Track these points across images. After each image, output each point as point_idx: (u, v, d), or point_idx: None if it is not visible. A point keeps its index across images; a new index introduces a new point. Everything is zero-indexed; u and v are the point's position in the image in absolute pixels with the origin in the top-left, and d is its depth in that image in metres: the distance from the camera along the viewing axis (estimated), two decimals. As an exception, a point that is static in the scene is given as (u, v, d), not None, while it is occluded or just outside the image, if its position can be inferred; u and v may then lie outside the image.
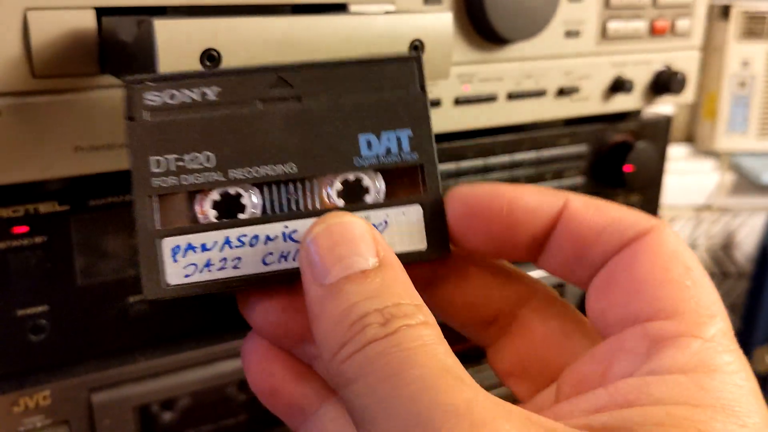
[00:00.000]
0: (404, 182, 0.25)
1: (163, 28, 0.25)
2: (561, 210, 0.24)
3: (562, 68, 0.48)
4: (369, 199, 0.25)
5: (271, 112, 0.24)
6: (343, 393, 0.20)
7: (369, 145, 0.24)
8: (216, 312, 0.40)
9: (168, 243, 0.23)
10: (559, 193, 0.24)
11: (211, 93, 0.23)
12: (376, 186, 0.25)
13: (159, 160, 0.23)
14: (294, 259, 0.24)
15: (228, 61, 0.26)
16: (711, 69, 1.20)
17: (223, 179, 0.23)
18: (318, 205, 0.24)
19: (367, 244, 0.21)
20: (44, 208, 0.34)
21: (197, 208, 0.24)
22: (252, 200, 0.24)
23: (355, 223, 0.21)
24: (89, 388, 0.37)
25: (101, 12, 0.31)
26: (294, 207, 0.24)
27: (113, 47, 0.30)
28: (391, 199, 0.25)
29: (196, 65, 0.26)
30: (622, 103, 0.52)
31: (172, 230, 0.23)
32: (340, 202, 0.24)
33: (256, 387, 0.26)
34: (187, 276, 0.23)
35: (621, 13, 0.50)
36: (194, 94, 0.23)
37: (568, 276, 0.24)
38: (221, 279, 0.23)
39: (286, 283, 0.24)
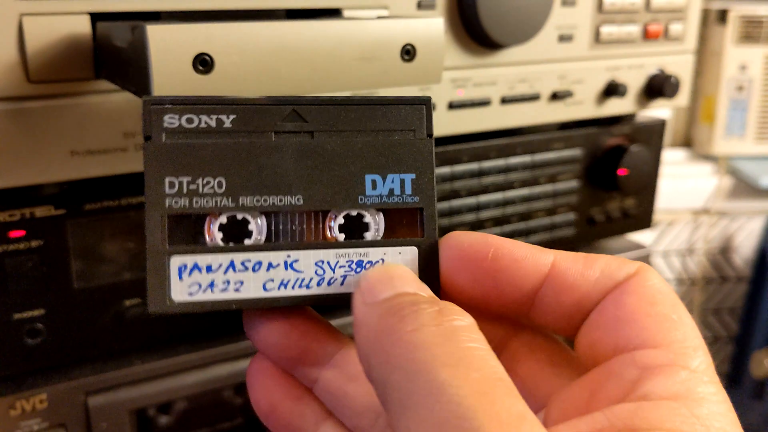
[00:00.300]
0: (403, 222, 0.26)
1: (156, 34, 0.25)
2: (550, 268, 0.24)
3: (556, 72, 0.48)
4: (369, 236, 0.26)
5: (284, 144, 0.25)
6: (383, 374, 0.20)
7: (374, 185, 0.25)
8: (212, 316, 0.41)
9: (175, 261, 0.24)
10: (546, 251, 0.25)
11: (227, 121, 0.24)
12: (376, 224, 0.26)
13: (173, 181, 0.24)
14: (293, 287, 0.25)
15: (221, 66, 0.27)
16: (708, 73, 1.20)
17: (232, 205, 0.24)
18: (320, 238, 0.25)
19: (418, 284, 0.23)
20: (40, 212, 0.35)
21: (206, 230, 0.25)
22: (258, 227, 0.25)
23: (409, 270, 0.23)
24: (86, 391, 0.37)
25: (96, 17, 0.31)
26: (297, 237, 0.25)
27: (108, 52, 0.30)
28: (390, 237, 0.26)
29: (189, 70, 0.26)
30: (616, 107, 0.52)
31: (180, 249, 0.24)
32: (341, 237, 0.25)
33: (258, 405, 0.27)
34: (190, 294, 0.24)
35: (614, 18, 0.50)
36: (211, 121, 0.24)
37: (561, 327, 0.25)
38: (222, 300, 0.24)
39: (283, 308, 0.25)
